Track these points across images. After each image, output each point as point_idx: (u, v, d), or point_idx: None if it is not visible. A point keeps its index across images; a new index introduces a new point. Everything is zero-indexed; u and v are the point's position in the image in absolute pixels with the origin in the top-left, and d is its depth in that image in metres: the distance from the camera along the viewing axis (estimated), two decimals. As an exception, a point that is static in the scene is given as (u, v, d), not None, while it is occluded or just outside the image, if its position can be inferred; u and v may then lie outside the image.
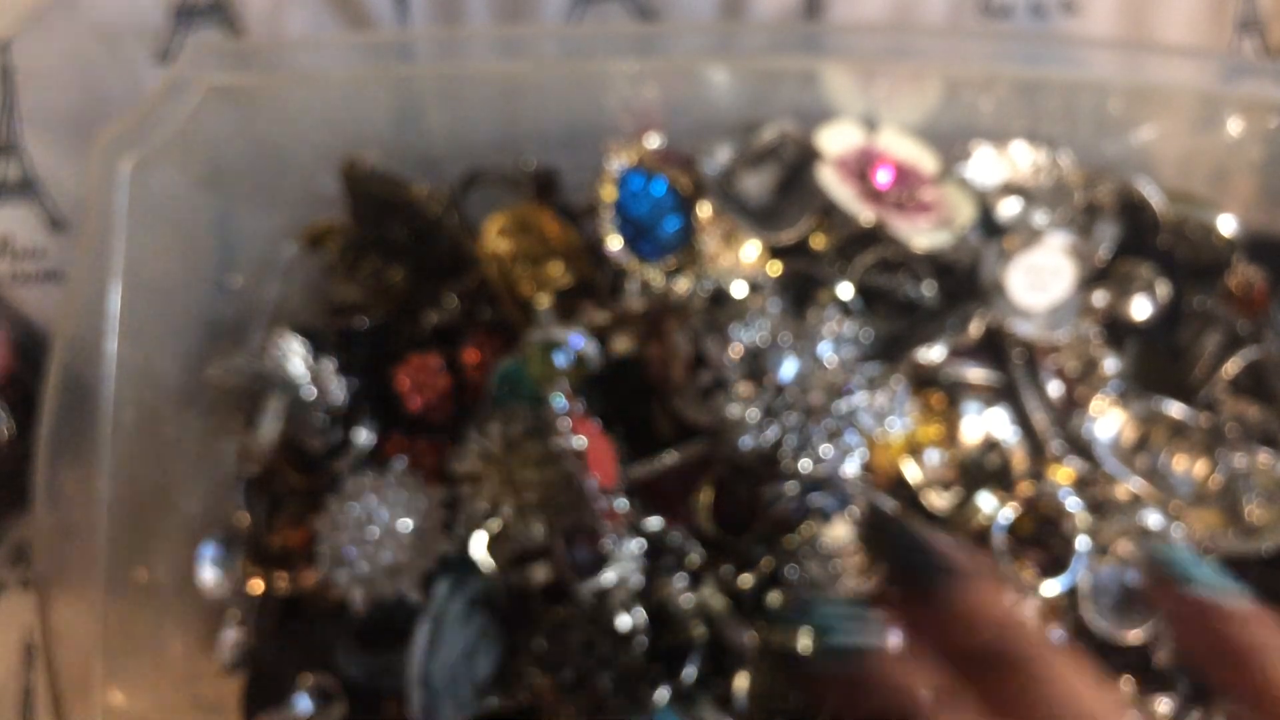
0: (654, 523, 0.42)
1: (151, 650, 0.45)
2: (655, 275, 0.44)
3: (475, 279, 0.47)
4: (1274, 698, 0.31)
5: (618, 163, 0.44)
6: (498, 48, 0.46)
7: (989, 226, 0.47)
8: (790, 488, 0.41)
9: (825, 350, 0.42)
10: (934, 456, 0.45)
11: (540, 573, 0.42)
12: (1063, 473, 0.45)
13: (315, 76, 0.46)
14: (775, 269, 0.46)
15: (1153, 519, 0.44)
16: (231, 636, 0.45)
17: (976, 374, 0.46)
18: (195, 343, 0.48)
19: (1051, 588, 0.43)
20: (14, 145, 0.53)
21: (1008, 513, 0.44)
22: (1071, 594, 0.44)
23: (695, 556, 0.42)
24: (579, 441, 0.39)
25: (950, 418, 0.46)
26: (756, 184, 0.47)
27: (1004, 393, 0.46)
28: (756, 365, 0.41)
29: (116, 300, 0.43)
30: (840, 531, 0.42)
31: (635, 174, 0.44)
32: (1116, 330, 0.48)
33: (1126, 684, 0.44)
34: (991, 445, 0.46)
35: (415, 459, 0.45)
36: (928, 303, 0.47)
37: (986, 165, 0.47)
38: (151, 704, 0.43)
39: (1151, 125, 0.48)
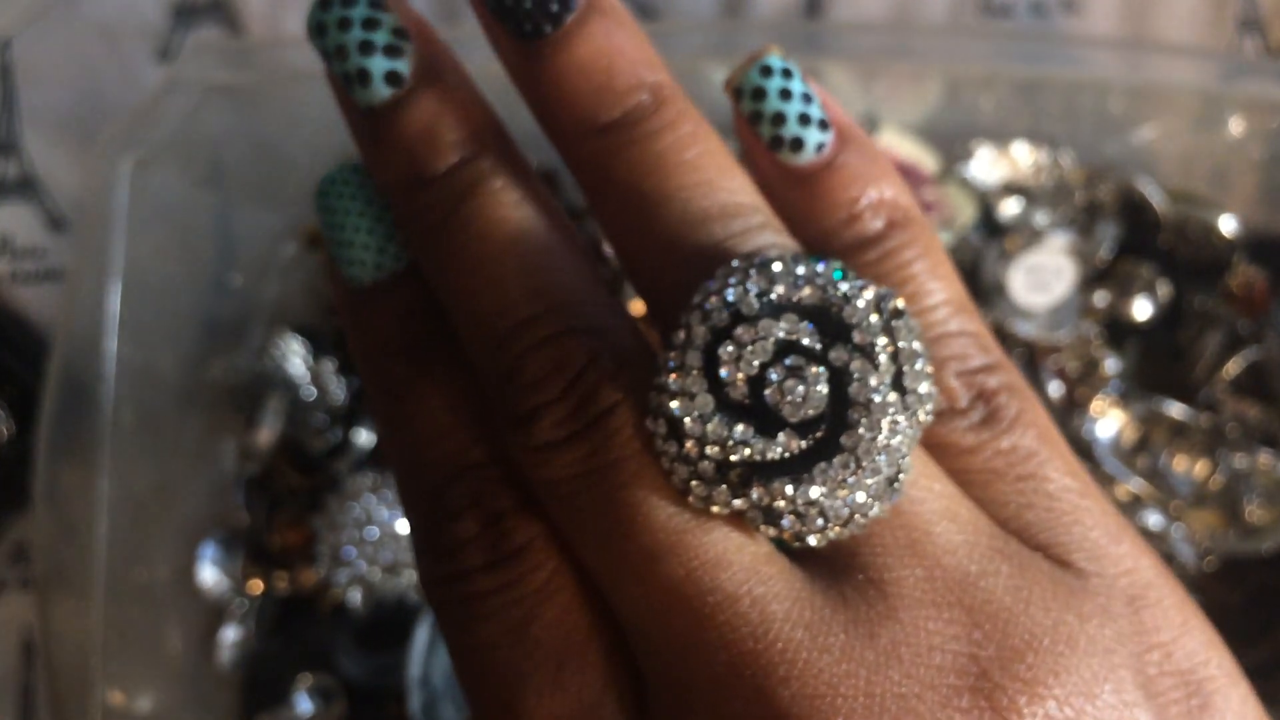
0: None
1: (151, 650, 0.45)
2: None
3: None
4: None
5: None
6: (498, 47, 0.46)
7: (990, 226, 0.47)
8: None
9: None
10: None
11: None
12: (1063, 473, 0.45)
13: (315, 76, 0.45)
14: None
15: (1153, 519, 0.44)
16: (231, 636, 0.45)
17: (977, 374, 0.46)
18: (195, 342, 0.48)
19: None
20: (14, 145, 0.53)
21: (1008, 513, 0.44)
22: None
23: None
24: None
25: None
26: (757, 184, 0.47)
27: (1004, 393, 0.46)
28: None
29: (116, 300, 0.42)
30: None
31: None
32: (1117, 330, 0.48)
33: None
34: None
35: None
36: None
37: (987, 165, 0.47)
38: (151, 704, 0.43)
39: (1152, 125, 0.48)
